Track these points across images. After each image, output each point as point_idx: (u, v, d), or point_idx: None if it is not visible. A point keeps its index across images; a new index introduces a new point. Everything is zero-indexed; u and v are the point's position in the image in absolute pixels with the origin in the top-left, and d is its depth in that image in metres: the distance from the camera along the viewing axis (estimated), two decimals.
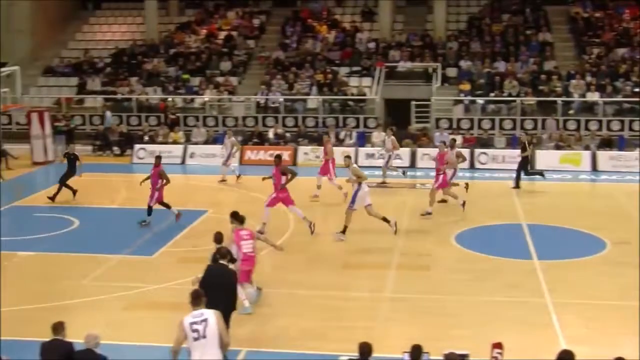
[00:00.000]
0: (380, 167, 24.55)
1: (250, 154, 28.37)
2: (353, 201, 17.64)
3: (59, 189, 21.75)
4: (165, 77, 34.39)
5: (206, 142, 29.63)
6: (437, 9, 35.53)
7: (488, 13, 36.21)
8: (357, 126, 30.65)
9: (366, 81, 32.97)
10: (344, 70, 33.69)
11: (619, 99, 30.08)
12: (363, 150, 28.00)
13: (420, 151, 27.80)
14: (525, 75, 31.72)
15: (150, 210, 19.01)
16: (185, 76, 34.26)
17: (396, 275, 15.42)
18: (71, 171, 22.05)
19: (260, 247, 16.45)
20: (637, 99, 29.57)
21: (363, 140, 29.32)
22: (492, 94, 31.17)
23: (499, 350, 9.27)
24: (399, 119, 30.58)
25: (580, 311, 13.38)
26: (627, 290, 14.10)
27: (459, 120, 30.37)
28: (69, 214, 20.28)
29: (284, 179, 18.04)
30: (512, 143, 28.18)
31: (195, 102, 33.13)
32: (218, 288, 10.55)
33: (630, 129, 29.03)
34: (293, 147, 28.73)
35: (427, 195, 20.29)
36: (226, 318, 10.04)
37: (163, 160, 20.14)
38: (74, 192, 21.87)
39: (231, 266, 11.55)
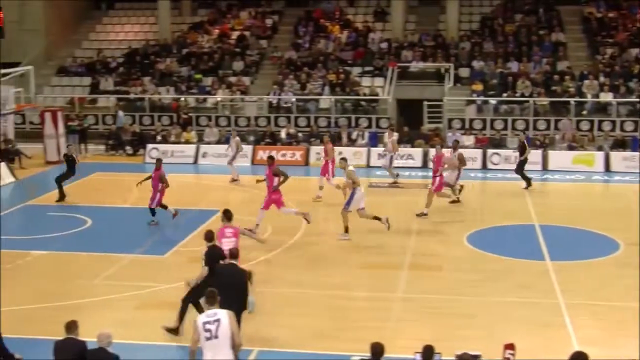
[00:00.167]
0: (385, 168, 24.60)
1: (263, 154, 28.29)
2: (348, 203, 17.73)
3: (60, 189, 21.84)
4: (177, 77, 34.47)
5: (218, 142, 29.61)
6: (450, 9, 35.42)
7: (501, 13, 36.07)
8: (370, 126, 30.60)
9: (378, 81, 32.91)
10: (356, 70, 33.65)
11: (632, 99, 29.88)
12: (375, 150, 27.93)
13: (432, 151, 27.64)
14: (538, 76, 31.58)
15: (152, 211, 19.09)
16: (198, 76, 34.32)
17: (408, 276, 15.41)
18: (69, 172, 22.14)
19: (271, 248, 16.58)
20: None
21: (375, 140, 29.25)
22: (505, 95, 31.04)
23: (511, 351, 9.25)
24: (412, 119, 30.56)
25: (594, 312, 13.33)
26: None
27: (471, 120, 30.27)
28: (81, 214, 20.36)
29: (276, 180, 17.92)
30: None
31: (208, 102, 33.15)
32: (230, 288, 10.55)
33: None
34: (305, 147, 28.70)
35: (438, 196, 20.31)
36: (237, 318, 10.04)
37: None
38: (63, 196, 21.73)
39: None
